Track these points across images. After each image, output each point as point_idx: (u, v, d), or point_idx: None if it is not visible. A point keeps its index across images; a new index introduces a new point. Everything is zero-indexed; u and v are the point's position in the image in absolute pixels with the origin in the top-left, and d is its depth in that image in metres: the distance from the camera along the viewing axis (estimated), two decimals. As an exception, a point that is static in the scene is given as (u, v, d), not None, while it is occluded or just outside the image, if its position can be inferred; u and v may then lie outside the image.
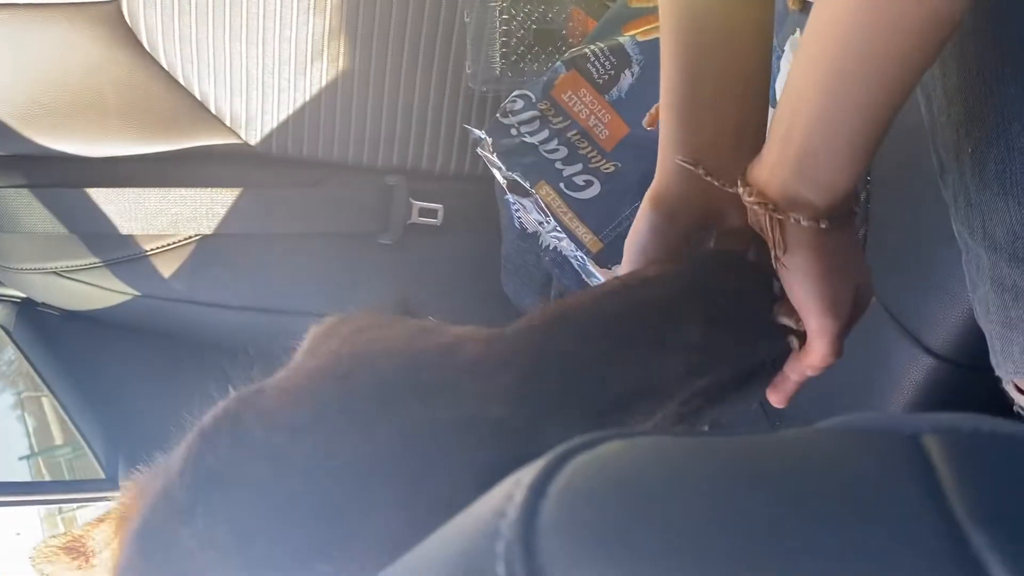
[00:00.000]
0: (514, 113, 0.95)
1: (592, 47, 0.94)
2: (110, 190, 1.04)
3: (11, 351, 1.14)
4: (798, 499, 0.24)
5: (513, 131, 0.94)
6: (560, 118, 0.95)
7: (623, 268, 0.56)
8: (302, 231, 1.11)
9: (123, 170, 1.06)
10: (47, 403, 1.21)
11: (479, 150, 0.98)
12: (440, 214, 1.13)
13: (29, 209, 1.03)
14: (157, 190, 1.05)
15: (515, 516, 0.23)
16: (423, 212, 1.13)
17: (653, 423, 0.46)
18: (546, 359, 0.42)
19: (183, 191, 1.06)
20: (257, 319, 1.12)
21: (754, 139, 0.52)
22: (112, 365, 1.12)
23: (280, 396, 0.40)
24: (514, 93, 0.96)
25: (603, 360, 0.44)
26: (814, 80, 0.42)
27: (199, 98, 1.06)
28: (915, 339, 0.79)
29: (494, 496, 0.25)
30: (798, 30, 0.80)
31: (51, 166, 1.04)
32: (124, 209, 1.04)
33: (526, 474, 0.25)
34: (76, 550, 0.47)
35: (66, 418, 1.06)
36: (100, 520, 0.47)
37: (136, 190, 1.04)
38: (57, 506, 1.40)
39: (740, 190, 0.48)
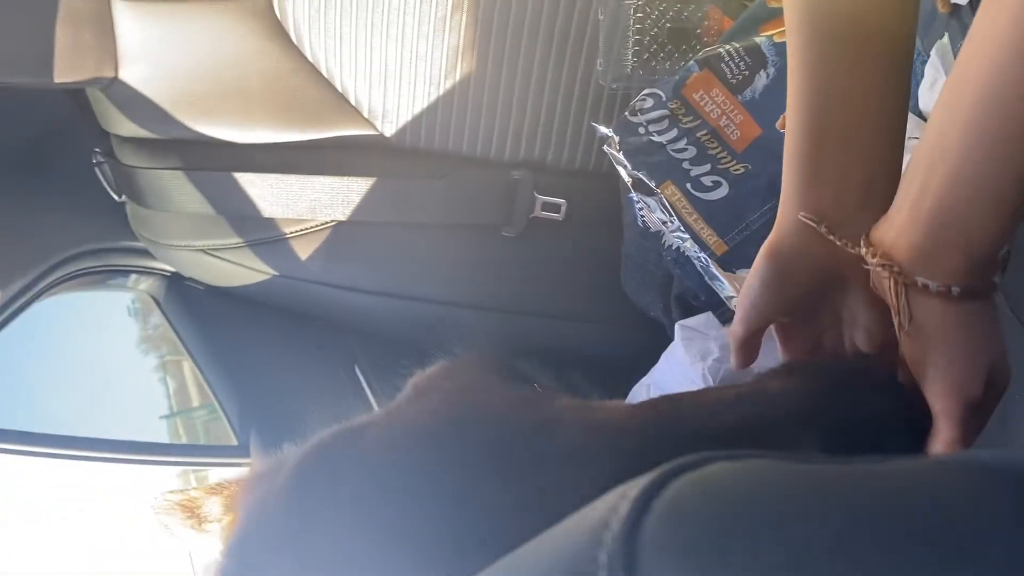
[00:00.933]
0: (643, 112, 0.94)
1: (727, 47, 0.93)
2: (254, 175, 1.10)
3: (157, 316, 1.22)
4: (920, 539, 0.24)
5: (641, 129, 0.94)
6: (690, 117, 0.94)
7: (735, 322, 0.54)
8: (430, 221, 1.14)
9: (267, 157, 1.12)
10: (187, 366, 1.29)
11: (605, 148, 0.99)
12: (563, 209, 1.14)
13: (181, 190, 1.11)
14: (298, 176, 1.10)
15: (619, 529, 0.24)
16: (546, 206, 1.14)
17: None
18: (639, 466, 0.37)
19: (321, 178, 1.10)
20: (384, 303, 1.16)
21: (884, 195, 0.47)
22: (249, 338, 1.19)
23: (376, 449, 0.41)
24: (644, 91, 0.95)
25: None
26: (956, 130, 0.38)
27: (340, 90, 1.10)
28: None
29: (599, 507, 0.26)
30: (947, 34, 0.76)
31: (201, 151, 1.11)
32: (267, 193, 1.10)
33: (632, 488, 0.26)
34: (191, 510, 0.50)
35: (204, 384, 1.13)
36: (214, 490, 0.51)
37: (278, 176, 1.10)
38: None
39: (863, 251, 0.45)
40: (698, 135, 0.94)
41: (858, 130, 0.48)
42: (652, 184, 0.94)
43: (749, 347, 0.54)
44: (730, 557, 0.23)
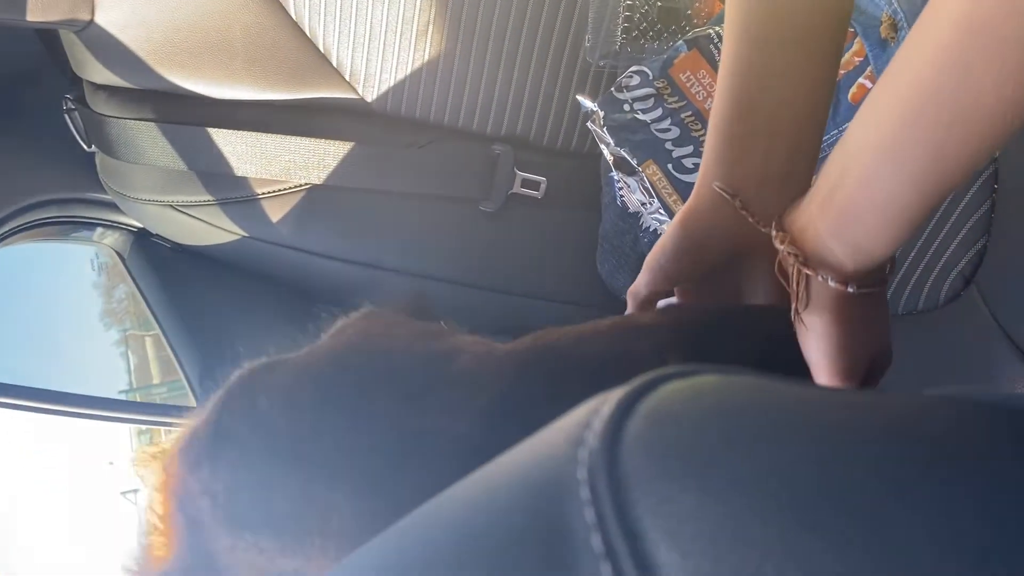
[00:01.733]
0: (629, 88, 0.93)
1: (717, 28, 0.92)
2: (229, 132, 1.07)
3: (122, 290, 1.19)
4: (904, 448, 0.23)
5: (626, 107, 0.93)
6: (676, 98, 0.93)
7: (638, 281, 0.55)
8: (407, 190, 1.12)
9: (243, 114, 1.09)
10: (149, 343, 1.27)
11: (589, 124, 0.98)
12: (543, 187, 1.13)
13: (153, 143, 1.08)
14: (273, 136, 1.08)
15: (600, 428, 0.23)
16: (526, 183, 1.13)
17: None
18: (518, 388, 0.43)
19: (298, 140, 1.08)
20: (355, 271, 1.14)
21: (801, 180, 0.49)
22: (214, 300, 1.17)
23: (290, 373, 0.44)
24: (631, 68, 0.94)
25: (570, 398, 0.40)
26: (873, 140, 0.39)
27: (322, 50, 1.08)
28: (1029, 360, 0.75)
29: (578, 411, 0.25)
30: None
31: (177, 104, 1.08)
32: (240, 151, 1.08)
33: (615, 392, 0.25)
34: (160, 458, 0.50)
35: (166, 344, 1.11)
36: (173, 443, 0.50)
37: (254, 134, 1.08)
38: (148, 439, 1.47)
39: (773, 234, 0.46)
40: (683, 116, 0.93)
41: (786, 113, 0.49)
42: (634, 162, 0.93)
43: (647, 307, 0.56)
44: (718, 459, 0.22)
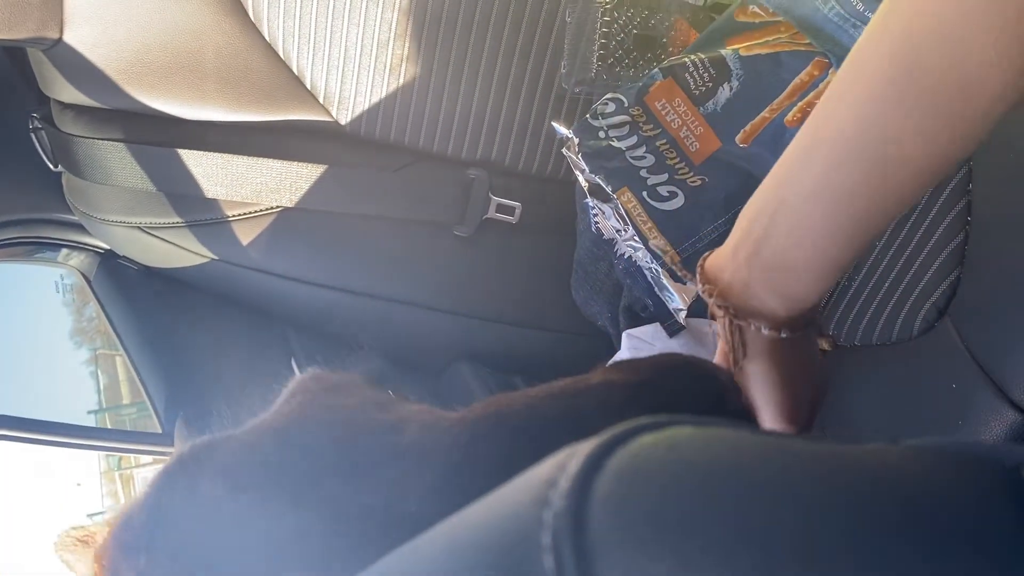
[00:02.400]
0: (604, 116, 0.93)
1: (692, 56, 0.92)
2: (200, 153, 1.06)
3: (92, 308, 1.17)
4: (882, 513, 0.22)
5: (601, 133, 0.93)
6: (651, 125, 0.93)
7: None
8: (380, 214, 1.11)
9: (214, 136, 1.08)
10: (120, 362, 1.24)
11: (564, 150, 0.97)
12: (518, 212, 1.12)
13: (122, 163, 1.06)
14: (244, 158, 1.06)
15: (567, 486, 0.22)
16: (500, 208, 1.12)
17: None
18: (469, 460, 0.42)
19: (270, 162, 1.07)
20: (326, 296, 1.12)
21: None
22: (181, 323, 1.14)
23: (233, 453, 0.42)
24: (607, 96, 0.94)
25: (524, 463, 0.39)
26: (802, 189, 0.38)
27: (295, 72, 1.07)
28: (1001, 391, 0.75)
29: (545, 465, 0.23)
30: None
31: (146, 124, 1.07)
32: (211, 173, 1.06)
33: (583, 446, 0.23)
34: (90, 544, 0.49)
35: (131, 368, 1.08)
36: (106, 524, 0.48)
37: (224, 156, 1.06)
38: (117, 462, 1.43)
39: (700, 287, 0.46)
40: (657, 144, 0.93)
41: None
42: (609, 189, 0.93)
43: None
44: (692, 521, 0.20)
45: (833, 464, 0.24)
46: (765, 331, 0.44)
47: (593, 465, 0.22)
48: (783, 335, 0.44)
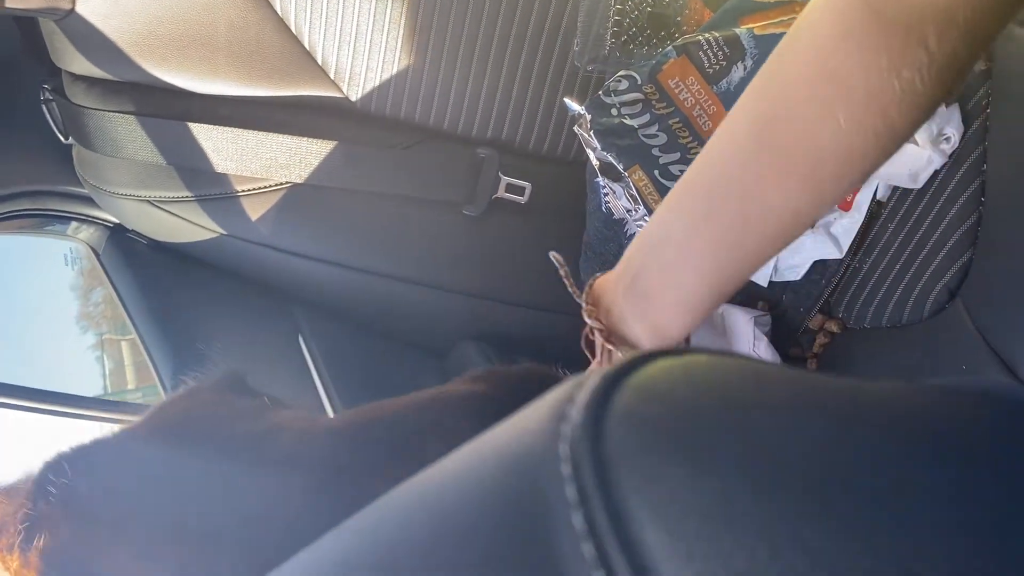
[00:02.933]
0: (617, 93, 0.93)
1: (706, 35, 0.92)
2: (210, 127, 1.05)
3: (99, 293, 1.17)
4: (902, 436, 0.22)
5: (613, 111, 0.92)
6: (664, 104, 0.92)
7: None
8: (389, 192, 1.11)
9: (225, 110, 1.07)
10: (126, 347, 1.24)
11: (576, 128, 0.97)
12: (527, 192, 1.12)
13: (132, 136, 1.06)
14: (255, 133, 1.06)
15: (585, 400, 0.21)
16: (510, 188, 1.12)
17: None
18: (342, 468, 0.44)
19: (280, 137, 1.07)
20: (334, 273, 1.12)
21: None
22: (189, 299, 1.14)
23: (112, 454, 0.43)
24: (620, 73, 0.94)
25: (391, 470, 0.43)
26: (675, 235, 0.42)
27: (307, 47, 1.07)
28: (1012, 373, 0.74)
29: (564, 385, 0.23)
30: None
31: (157, 97, 1.07)
32: (221, 147, 1.06)
33: (601, 369, 0.23)
34: None
35: (139, 342, 1.08)
36: None
37: (235, 130, 1.06)
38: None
39: (584, 307, 0.49)
40: (670, 122, 0.93)
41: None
42: (620, 167, 0.92)
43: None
44: (711, 435, 0.20)
45: (855, 393, 0.24)
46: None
47: (612, 382, 0.22)
48: None
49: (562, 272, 0.52)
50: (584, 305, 0.49)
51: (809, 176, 0.36)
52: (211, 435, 0.44)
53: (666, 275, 0.43)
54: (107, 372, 1.31)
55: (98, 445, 0.44)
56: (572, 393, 0.22)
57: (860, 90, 0.33)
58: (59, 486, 0.42)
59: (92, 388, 1.28)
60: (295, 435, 0.45)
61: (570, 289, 0.50)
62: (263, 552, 0.39)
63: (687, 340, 0.47)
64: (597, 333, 0.48)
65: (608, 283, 0.48)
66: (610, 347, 0.47)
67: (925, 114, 0.34)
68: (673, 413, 0.21)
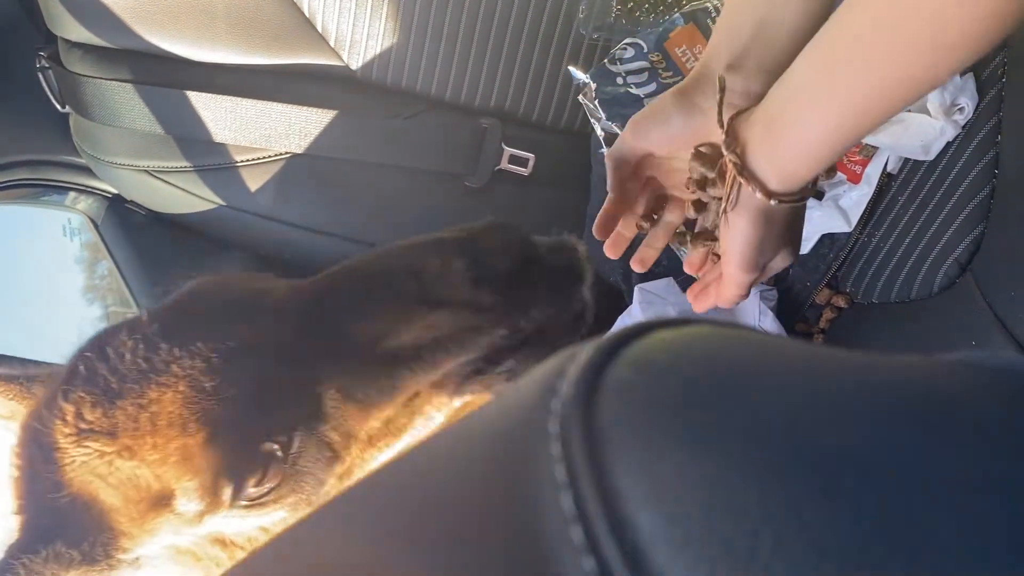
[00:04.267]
0: (623, 61, 0.90)
1: (714, 2, 0.89)
2: (208, 96, 1.04)
3: (104, 266, 1.16)
4: (916, 417, 0.20)
5: (619, 79, 0.90)
6: (670, 72, 0.90)
7: (624, 136, 0.61)
8: (390, 162, 1.09)
9: (223, 78, 1.06)
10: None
11: (580, 97, 0.95)
12: (530, 164, 1.10)
13: (130, 105, 1.04)
14: (254, 102, 1.04)
15: (576, 375, 0.20)
16: (513, 159, 1.10)
17: (444, 373, 0.55)
18: (324, 302, 0.53)
19: (279, 106, 1.05)
20: (334, 245, 1.11)
21: (765, 90, 0.53)
22: (188, 269, 1.13)
23: (140, 320, 0.53)
24: (626, 40, 0.91)
25: (374, 307, 0.53)
26: (809, 83, 0.45)
27: (307, 15, 1.05)
28: (1023, 349, 0.73)
29: (557, 358, 0.22)
30: None
31: (155, 65, 1.05)
32: (220, 117, 1.04)
33: (594, 340, 0.22)
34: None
35: (137, 311, 1.07)
36: (12, 394, 0.57)
37: (234, 99, 1.04)
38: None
39: (723, 138, 0.52)
40: (677, 92, 0.90)
41: (782, 32, 0.55)
42: (625, 138, 0.90)
43: (624, 165, 0.62)
44: (710, 412, 0.19)
45: (864, 368, 0.23)
46: (757, 194, 0.50)
47: (605, 355, 0.20)
48: (772, 202, 0.51)
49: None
50: (724, 136, 0.52)
51: (929, 46, 0.40)
52: (223, 291, 0.55)
53: (798, 119, 0.47)
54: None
55: (133, 316, 0.55)
56: (564, 366, 0.21)
57: None
58: (86, 363, 0.51)
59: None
60: (289, 286, 0.55)
61: (717, 118, 0.54)
62: (264, 371, 0.50)
63: (812, 184, 0.52)
64: (731, 166, 0.51)
65: (748, 119, 0.51)
66: (741, 180, 0.51)
67: None
68: (671, 388, 0.19)
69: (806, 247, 0.91)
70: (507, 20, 1.05)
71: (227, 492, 0.49)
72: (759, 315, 0.92)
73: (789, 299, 0.97)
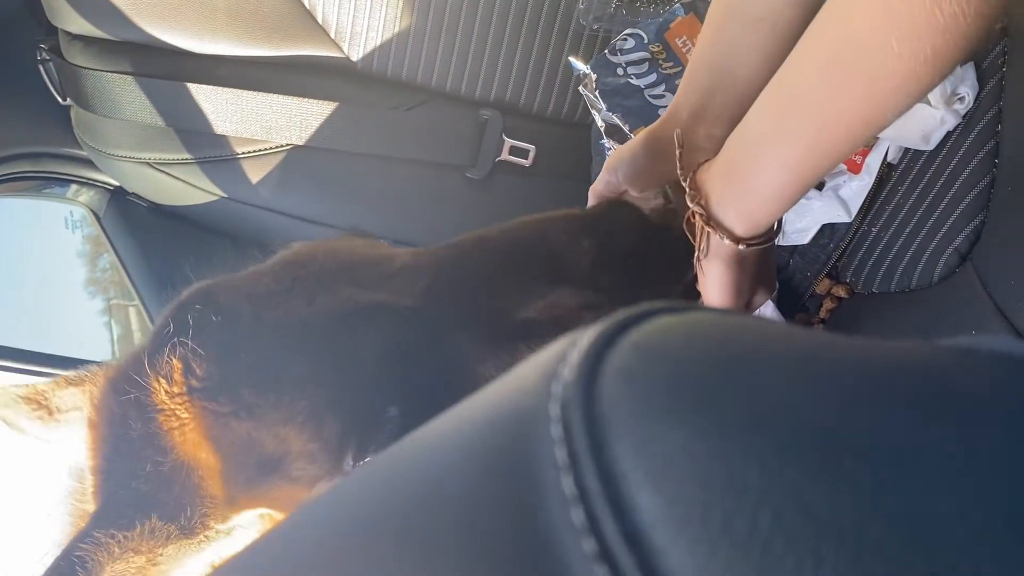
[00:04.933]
0: (623, 52, 0.90)
1: (715, -8, 0.89)
2: (209, 88, 1.04)
3: (106, 259, 1.16)
4: (916, 399, 0.20)
5: (619, 70, 0.90)
6: (671, 63, 0.90)
7: (598, 181, 0.64)
8: (391, 154, 1.09)
9: (224, 70, 1.06)
10: (133, 313, 1.23)
11: (581, 88, 0.95)
12: (531, 155, 1.10)
13: (131, 97, 1.04)
14: (255, 94, 1.05)
15: (578, 359, 0.20)
16: (514, 151, 1.10)
17: None
18: (453, 271, 0.51)
19: (280, 98, 1.05)
20: (336, 237, 1.11)
21: (722, 140, 0.54)
22: (190, 262, 1.13)
23: (246, 275, 0.51)
24: (626, 31, 0.91)
25: (503, 279, 0.52)
26: (764, 129, 0.47)
27: (307, 6, 1.05)
28: (1024, 339, 0.73)
29: (557, 343, 0.22)
30: None
31: (156, 57, 1.05)
32: (220, 109, 1.05)
33: (595, 325, 0.22)
34: (37, 402, 0.52)
35: (140, 305, 1.08)
36: (69, 382, 0.50)
37: (234, 91, 1.04)
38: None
39: (686, 187, 0.54)
40: (677, 82, 0.90)
41: (740, 84, 0.57)
42: (626, 129, 0.90)
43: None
44: (712, 395, 0.19)
45: (864, 352, 0.23)
46: (726, 241, 0.52)
47: (607, 340, 0.21)
48: (740, 247, 0.52)
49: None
50: (688, 190, 0.54)
51: (870, 91, 0.41)
52: (338, 254, 0.52)
53: (755, 165, 0.48)
54: (115, 337, 1.31)
55: (233, 275, 0.51)
56: (565, 350, 0.21)
57: (907, 21, 0.38)
58: (199, 300, 0.48)
59: (100, 353, 1.28)
60: (412, 254, 0.52)
61: (679, 171, 0.56)
62: (387, 335, 0.47)
63: (777, 226, 0.54)
64: (697, 217, 0.53)
65: (709, 170, 0.53)
66: (709, 230, 0.52)
67: (969, 43, 0.39)
68: (672, 372, 0.19)
69: (806, 237, 0.92)
70: (507, 11, 1.05)
71: (349, 456, 0.45)
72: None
73: (789, 289, 0.98)
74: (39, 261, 1.22)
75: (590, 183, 1.10)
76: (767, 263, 0.58)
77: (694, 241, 0.56)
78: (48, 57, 1.08)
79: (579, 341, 0.21)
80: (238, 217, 1.11)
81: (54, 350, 1.06)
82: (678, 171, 0.55)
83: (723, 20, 0.58)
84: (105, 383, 0.49)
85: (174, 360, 0.45)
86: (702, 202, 0.53)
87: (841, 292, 0.94)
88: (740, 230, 0.52)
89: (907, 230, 0.86)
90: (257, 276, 0.50)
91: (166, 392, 0.45)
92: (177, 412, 0.45)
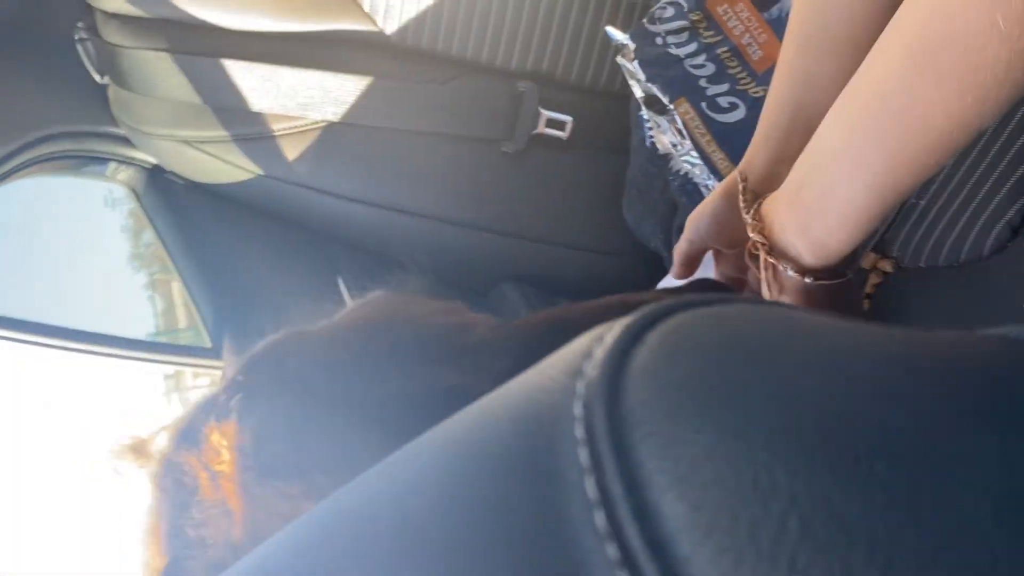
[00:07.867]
0: (663, 20, 0.88)
1: (756, -43, 0.87)
2: (244, 64, 1.04)
3: (149, 234, 1.17)
4: (961, 400, 0.19)
5: (658, 40, 0.88)
6: (712, 32, 0.88)
7: (683, 239, 0.59)
8: (427, 129, 1.08)
9: (258, 46, 1.05)
10: (176, 287, 1.25)
11: (619, 59, 0.93)
12: (568, 127, 1.09)
13: (167, 74, 1.05)
14: (290, 69, 1.04)
15: (602, 356, 0.19)
16: (551, 123, 1.09)
17: None
18: (537, 353, 0.43)
19: (314, 74, 1.05)
20: (372, 214, 1.11)
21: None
22: (228, 240, 1.14)
23: (318, 339, 0.47)
24: None
25: None
26: (835, 144, 0.42)
27: (340, -21, 1.04)
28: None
29: (582, 339, 0.21)
30: None
31: (192, 33, 1.05)
32: (256, 85, 1.04)
33: (621, 320, 0.21)
34: (139, 451, 0.52)
35: (182, 282, 1.09)
36: (164, 428, 0.50)
37: (270, 67, 1.04)
38: (174, 380, 1.46)
39: (748, 220, 0.49)
40: (718, 52, 0.88)
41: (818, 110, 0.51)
42: (666, 100, 0.88)
43: (692, 264, 0.61)
44: (739, 396, 0.18)
45: (906, 347, 0.22)
46: (791, 272, 0.47)
47: (633, 336, 0.20)
48: (806, 280, 0.47)
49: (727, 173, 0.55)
50: (749, 221, 0.49)
51: (968, 85, 0.36)
52: (412, 322, 0.49)
53: (826, 187, 0.44)
54: (158, 311, 1.32)
55: (307, 332, 0.48)
56: (590, 347, 0.20)
57: None
58: (272, 363, 0.46)
59: (144, 327, 1.30)
60: (490, 328, 0.48)
61: (741, 204, 0.51)
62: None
63: (852, 257, 0.48)
64: (761, 248, 0.48)
65: (774, 199, 0.49)
66: (773, 261, 0.48)
67: None
68: (699, 370, 0.19)
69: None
70: (543, -19, 1.03)
71: None
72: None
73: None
74: (82, 239, 1.23)
75: (627, 155, 1.08)
76: (846, 305, 0.51)
77: (757, 272, 0.51)
78: (85, 36, 1.08)
79: (605, 337, 0.20)
80: (275, 194, 1.11)
81: (98, 328, 1.08)
82: (740, 204, 0.51)
83: (796, 52, 0.52)
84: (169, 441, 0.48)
85: (245, 434, 0.44)
86: (764, 230, 0.48)
87: (887, 267, 0.92)
88: (808, 258, 0.46)
89: (956, 203, 0.83)
90: (331, 338, 0.47)
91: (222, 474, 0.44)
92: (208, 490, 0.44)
